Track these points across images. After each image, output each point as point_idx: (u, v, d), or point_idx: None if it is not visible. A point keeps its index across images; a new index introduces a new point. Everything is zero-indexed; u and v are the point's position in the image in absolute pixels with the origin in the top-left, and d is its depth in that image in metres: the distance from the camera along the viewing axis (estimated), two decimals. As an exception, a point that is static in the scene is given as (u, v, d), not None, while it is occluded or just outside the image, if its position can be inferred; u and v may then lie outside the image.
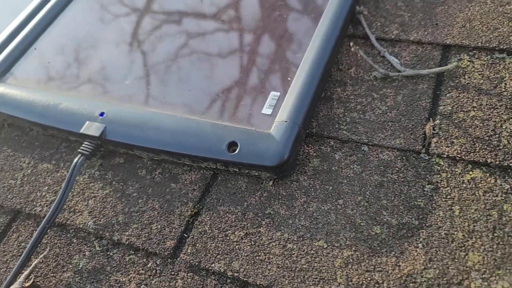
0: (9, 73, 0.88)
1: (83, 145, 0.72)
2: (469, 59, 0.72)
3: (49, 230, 0.67)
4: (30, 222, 0.70)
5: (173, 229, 0.64)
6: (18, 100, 0.81)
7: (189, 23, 0.85)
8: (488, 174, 0.60)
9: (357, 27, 0.81)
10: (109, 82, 0.80)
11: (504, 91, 0.67)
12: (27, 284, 0.62)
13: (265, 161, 0.63)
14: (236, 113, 0.70)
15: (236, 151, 0.64)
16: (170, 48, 0.83)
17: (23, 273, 0.63)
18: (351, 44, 0.72)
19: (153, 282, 0.60)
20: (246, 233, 0.61)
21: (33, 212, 0.70)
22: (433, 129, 0.65)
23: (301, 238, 0.59)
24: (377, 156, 0.65)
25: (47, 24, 0.95)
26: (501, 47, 0.71)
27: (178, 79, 0.77)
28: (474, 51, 0.73)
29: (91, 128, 0.73)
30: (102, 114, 0.74)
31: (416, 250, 0.55)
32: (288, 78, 0.72)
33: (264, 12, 0.83)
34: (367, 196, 0.61)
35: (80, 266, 0.64)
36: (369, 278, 0.54)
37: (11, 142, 0.82)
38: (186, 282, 0.59)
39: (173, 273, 0.60)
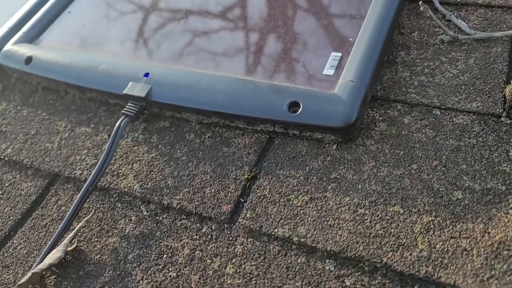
0: (42, 35, 0.84)
1: (127, 106, 0.67)
2: (545, 23, 0.67)
3: (91, 194, 0.61)
4: (69, 186, 0.65)
5: (229, 193, 0.58)
6: (53, 62, 0.77)
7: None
8: None
9: (417, -9, 0.76)
10: (152, 43, 0.75)
11: None
12: (70, 248, 0.57)
13: (332, 121, 0.58)
14: (295, 74, 0.65)
15: (298, 111, 0.59)
16: (219, 8, 0.78)
17: (65, 237, 0.58)
18: (420, 3, 0.67)
19: (209, 247, 0.55)
20: (311, 197, 0.56)
21: (72, 176, 0.65)
22: (513, 92, 0.60)
23: (374, 203, 0.54)
24: (451, 120, 0.60)
25: (82, -11, 0.91)
26: None
27: (231, 39, 0.72)
28: (550, 15, 0.67)
29: (136, 89, 0.68)
30: (147, 74, 0.69)
31: (506, 217, 0.50)
32: (350, 39, 0.67)
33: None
34: (444, 161, 0.56)
35: (127, 231, 0.58)
36: (455, 245, 0.49)
37: (46, 105, 0.77)
38: (246, 248, 0.54)
39: (231, 238, 0.55)
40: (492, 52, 0.65)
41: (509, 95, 0.60)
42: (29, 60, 0.78)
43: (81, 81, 0.73)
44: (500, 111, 0.59)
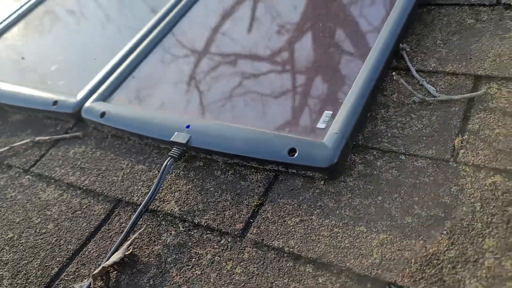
0: (113, 95, 1.10)
1: (172, 150, 0.91)
2: (498, 87, 0.84)
3: (144, 214, 0.84)
4: (128, 209, 0.88)
5: (242, 215, 0.79)
6: (121, 116, 1.03)
7: (254, 61, 1.04)
8: (507, 179, 0.71)
9: (400, 61, 0.96)
10: (192, 103, 1.00)
11: (526, 113, 0.78)
12: (127, 253, 0.79)
13: (318, 163, 0.78)
14: (296, 127, 0.86)
15: (295, 155, 0.80)
16: (239, 79, 1.01)
17: (123, 245, 0.81)
18: (394, 73, 0.87)
19: (225, 254, 0.75)
20: (301, 219, 0.76)
21: (131, 201, 0.89)
22: (461, 143, 0.77)
23: (346, 224, 0.73)
24: (412, 163, 0.78)
25: (142, 59, 1.18)
26: (526, 77, 0.83)
27: (250, 100, 0.95)
28: (502, 81, 0.85)
29: (179, 137, 0.92)
30: (188, 126, 0.93)
31: (441, 236, 0.67)
32: (340, 100, 0.87)
33: (322, 48, 1.00)
34: (402, 194, 0.74)
35: (168, 241, 0.80)
36: (399, 255, 0.66)
37: (113, 149, 1.03)
38: (251, 255, 0.74)
39: (241, 248, 0.75)
40: (451, 111, 0.83)
41: (457, 145, 0.77)
42: (103, 114, 1.05)
43: (140, 130, 0.98)
44: (449, 157, 0.76)
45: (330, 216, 0.75)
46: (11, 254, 0.87)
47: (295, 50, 1.02)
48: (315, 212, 0.76)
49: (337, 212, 0.75)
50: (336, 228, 0.73)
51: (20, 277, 0.82)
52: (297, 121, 0.87)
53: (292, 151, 0.81)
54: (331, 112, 0.86)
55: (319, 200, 0.78)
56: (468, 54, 0.91)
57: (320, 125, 0.84)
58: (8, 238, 0.90)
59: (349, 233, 0.71)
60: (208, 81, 1.04)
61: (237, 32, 1.14)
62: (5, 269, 0.84)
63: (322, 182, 0.80)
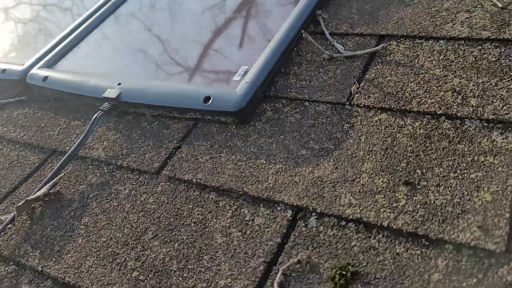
0: (58, 63, 1.17)
1: (104, 104, 0.98)
2: (396, 44, 0.93)
3: (73, 160, 0.91)
4: (61, 157, 0.95)
5: (160, 156, 0.86)
6: (61, 79, 1.09)
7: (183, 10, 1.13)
8: (391, 116, 0.79)
9: (317, 26, 1.05)
10: (124, 68, 1.07)
11: (416, 64, 0.87)
12: (53, 190, 0.85)
13: (229, 107, 0.86)
14: (215, 82, 0.94)
15: (209, 102, 0.88)
16: (163, 34, 1.09)
17: (46, 185, 0.87)
18: (303, 31, 0.96)
19: (141, 189, 0.82)
20: (211, 157, 0.83)
21: (64, 150, 0.95)
22: (357, 89, 0.86)
23: (249, 159, 0.80)
24: (314, 108, 0.86)
25: (85, 35, 1.25)
26: (421, 35, 0.92)
27: (174, 61, 1.03)
28: (401, 39, 0.94)
29: (111, 93, 0.99)
30: (119, 84, 1.00)
31: (327, 163, 0.75)
32: (256, 57, 0.96)
33: (243, 12, 1.09)
34: (302, 133, 0.82)
35: (92, 181, 0.87)
36: (290, 180, 0.74)
37: (54, 109, 1.09)
38: (163, 188, 0.81)
39: (156, 183, 0.82)
40: (354, 65, 0.92)
41: (353, 90, 0.86)
42: (45, 78, 1.11)
43: (78, 90, 1.05)
44: (345, 101, 0.85)
45: (237, 153, 0.82)
46: None
47: (218, 16, 1.11)
48: (224, 151, 0.83)
49: (243, 149, 0.82)
50: (240, 162, 0.80)
51: (-47, 216, 0.88)
52: (216, 77, 0.95)
53: (207, 99, 0.89)
54: (246, 67, 0.94)
55: (230, 141, 0.85)
56: (376, 19, 1.00)
57: (236, 77, 0.92)
58: None
59: (250, 165, 0.79)
60: (138, 49, 1.11)
61: (163, 16, 1.22)
62: None
63: (234, 127, 0.88)
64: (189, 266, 0.67)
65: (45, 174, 0.92)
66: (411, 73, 0.86)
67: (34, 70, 1.16)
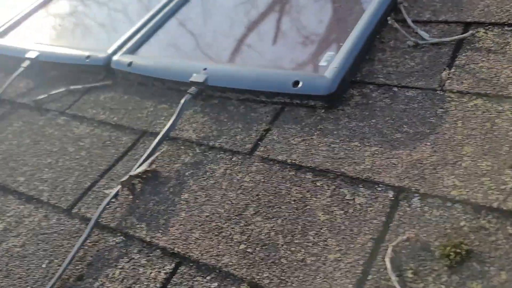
0: (140, 49, 1.22)
1: (191, 88, 1.02)
2: (484, 31, 0.93)
3: (165, 140, 0.96)
4: (152, 138, 0.99)
5: (251, 138, 0.90)
6: (145, 64, 1.14)
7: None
8: (487, 101, 0.80)
9: (398, 14, 1.05)
10: (209, 52, 1.11)
11: (508, 51, 0.87)
12: (150, 168, 0.90)
13: (319, 91, 0.88)
14: (301, 66, 0.96)
15: (299, 86, 0.90)
16: (254, 19, 1.12)
17: (147, 161, 0.92)
18: (388, 18, 0.97)
19: (235, 168, 0.86)
20: (303, 139, 0.86)
21: (155, 131, 1.00)
22: (448, 75, 0.87)
23: (342, 141, 0.82)
24: (403, 93, 0.87)
25: (166, 19, 1.30)
26: (510, 22, 0.92)
27: (260, 45, 1.06)
28: (489, 26, 0.94)
29: (197, 77, 1.03)
30: (205, 69, 1.04)
31: (425, 146, 0.76)
32: (341, 44, 0.97)
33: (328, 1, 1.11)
34: (393, 117, 0.83)
35: (186, 161, 0.91)
36: (388, 162, 0.76)
37: (139, 93, 1.14)
38: (258, 168, 0.84)
39: (250, 163, 0.86)
40: (441, 51, 0.92)
41: (444, 76, 0.86)
42: (130, 64, 1.16)
43: (163, 75, 1.10)
44: (436, 86, 0.86)
45: (329, 135, 0.85)
46: (50, 174, 0.99)
47: (303, 4, 1.13)
48: (316, 133, 0.86)
49: (335, 132, 0.85)
50: (333, 144, 0.83)
51: (57, 191, 0.94)
52: (302, 61, 0.97)
53: (296, 83, 0.91)
54: (332, 53, 0.96)
55: (320, 124, 0.88)
56: (460, 6, 1.00)
57: (322, 63, 0.94)
58: (47, 163, 1.03)
59: (344, 147, 0.81)
60: (222, 33, 1.15)
61: (243, 1, 1.25)
62: (45, 185, 0.97)
63: (323, 111, 0.90)
64: (295, 241, 0.70)
65: (139, 153, 0.97)
66: (503, 59, 0.86)
67: (118, 56, 1.21)
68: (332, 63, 0.92)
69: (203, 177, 0.86)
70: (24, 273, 0.81)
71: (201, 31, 1.20)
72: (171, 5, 1.34)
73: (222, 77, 1.01)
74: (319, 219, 0.72)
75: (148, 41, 1.25)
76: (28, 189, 0.97)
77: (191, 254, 0.74)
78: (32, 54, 1.38)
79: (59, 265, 0.80)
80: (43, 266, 0.81)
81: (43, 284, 0.78)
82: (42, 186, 0.96)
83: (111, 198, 0.85)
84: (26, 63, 1.38)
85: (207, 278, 0.70)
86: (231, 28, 1.16)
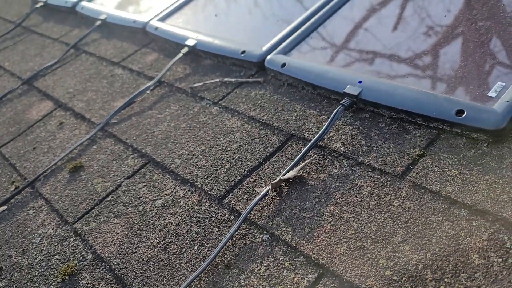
0: (293, 51, 1.27)
1: (344, 99, 1.04)
2: None
3: (313, 148, 0.99)
4: (299, 142, 1.04)
5: (403, 161, 0.89)
6: (299, 67, 1.18)
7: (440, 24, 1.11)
8: None
9: None
10: (365, 62, 1.11)
11: None
12: (298, 174, 0.94)
13: (486, 125, 0.84)
14: (466, 94, 0.92)
15: (463, 116, 0.87)
16: (418, 37, 1.09)
17: (297, 167, 0.96)
18: None
19: (384, 189, 0.86)
20: (460, 172, 0.83)
21: (302, 137, 1.04)
22: None
23: (506, 182, 0.78)
24: None
25: (321, 22, 1.32)
26: None
27: (422, 63, 1.03)
28: None
29: (352, 89, 1.04)
30: (360, 81, 1.05)
31: None
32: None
33: (499, 25, 1.04)
34: None
35: (332, 172, 0.94)
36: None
37: (288, 95, 1.19)
38: (408, 194, 0.84)
39: (399, 187, 0.85)
40: None
41: None
42: (284, 65, 1.21)
43: (316, 81, 1.13)
44: None
45: (490, 173, 0.81)
46: (204, 161, 1.09)
47: (472, 26, 1.07)
48: (475, 169, 0.83)
49: (498, 171, 0.81)
50: (495, 184, 0.79)
51: (210, 179, 1.03)
52: (468, 88, 0.93)
53: (460, 112, 0.88)
54: (503, 84, 0.90)
55: (481, 159, 0.84)
56: None
57: (491, 93, 0.89)
58: (201, 149, 1.12)
59: (508, 190, 0.77)
60: (383, 43, 1.14)
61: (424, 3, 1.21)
62: (200, 171, 1.06)
63: (485, 145, 0.86)
64: (445, 279, 0.69)
65: (286, 156, 1.02)
66: None
67: (272, 56, 1.27)
68: (503, 95, 0.87)
69: (350, 193, 0.88)
70: (178, 251, 0.91)
71: (360, 36, 1.20)
72: (330, 4, 1.35)
73: (376, 92, 1.01)
74: (473, 262, 0.70)
75: (303, 42, 1.29)
76: (184, 172, 1.08)
77: (335, 269, 0.77)
78: (191, 42, 1.50)
79: (209, 250, 0.89)
80: (195, 248, 0.90)
81: (194, 264, 0.87)
82: (197, 172, 1.06)
83: (262, 197, 0.91)
84: (185, 50, 1.51)
85: (349, 295, 0.73)
86: (393, 37, 1.15)
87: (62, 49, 1.94)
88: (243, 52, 1.34)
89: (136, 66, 1.58)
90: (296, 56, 1.24)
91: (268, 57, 1.27)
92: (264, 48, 1.31)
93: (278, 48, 1.28)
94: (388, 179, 0.88)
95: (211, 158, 1.09)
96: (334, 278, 0.76)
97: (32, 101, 1.63)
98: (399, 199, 0.84)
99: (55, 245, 1.03)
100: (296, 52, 1.26)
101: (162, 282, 0.87)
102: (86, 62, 1.75)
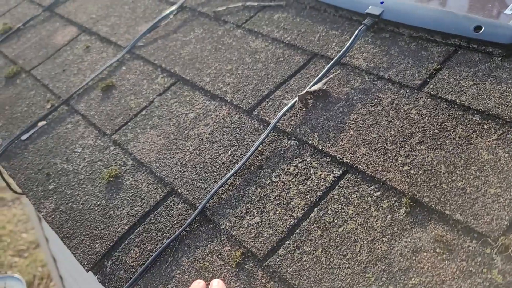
0: (314, -25, 1.30)
1: (366, 19, 1.09)
2: None
3: (336, 65, 1.06)
4: (323, 61, 1.10)
5: (421, 75, 0.96)
6: (320, -8, 1.22)
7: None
8: None
9: None
10: (387, -15, 1.15)
11: None
12: (323, 88, 1.02)
13: (501, 39, 0.90)
14: (482, 12, 0.98)
15: (480, 32, 0.93)
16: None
17: (321, 81, 1.03)
18: None
19: (403, 100, 0.94)
20: (474, 83, 0.90)
21: (325, 55, 1.11)
22: None
23: (516, 91, 0.86)
24: None
25: None
26: None
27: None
28: None
29: (374, 10, 1.09)
30: (382, 2, 1.09)
31: None
32: (531, -7, 0.96)
33: None
34: None
35: (355, 86, 1.01)
36: None
37: (311, 17, 1.24)
38: (425, 103, 0.91)
39: (417, 97, 0.93)
40: None
41: None
42: (306, -12, 1.25)
43: (338, 2, 1.18)
44: None
45: (503, 83, 0.88)
46: (231, 79, 1.16)
47: None
48: (489, 79, 0.90)
49: (510, 81, 0.88)
50: (506, 92, 0.86)
51: (239, 94, 1.11)
52: (485, 7, 0.98)
53: (477, 28, 0.94)
54: (520, 2, 0.95)
55: (494, 71, 0.91)
56: None
57: (508, 11, 0.95)
58: (228, 69, 1.19)
59: (518, 97, 0.85)
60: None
61: None
62: (228, 87, 1.14)
63: (500, 59, 0.93)
64: (457, 172, 0.79)
65: (310, 73, 1.09)
66: None
67: (294, -21, 1.30)
68: (519, 12, 0.93)
69: (371, 103, 0.96)
70: (213, 155, 1.01)
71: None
72: None
73: (398, 12, 1.06)
74: (483, 158, 0.79)
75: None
76: (213, 89, 1.15)
77: (357, 166, 0.86)
78: (211, -32, 1.52)
79: (242, 154, 0.98)
80: (229, 152, 1.00)
81: (229, 166, 0.97)
82: (225, 88, 1.14)
83: (289, 107, 0.99)
84: (206, -24, 1.53)
85: (371, 187, 0.83)
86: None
87: (78, -23, 1.95)
88: (266, -24, 1.37)
89: (156, -8, 1.61)
90: (318, -21, 1.28)
91: (291, -19, 1.31)
92: (287, -28, 1.34)
93: (300, -28, 1.32)
94: (407, 91, 0.95)
95: (238, 76, 1.16)
96: (357, 173, 0.86)
97: (56, 27, 1.68)
98: (417, 107, 0.91)
99: (97, 154, 1.13)
100: (318, -24, 1.29)
101: (200, 181, 0.97)
102: (106, -11, 1.78)
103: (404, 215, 0.77)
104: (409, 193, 0.79)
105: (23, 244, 4.50)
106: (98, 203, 1.01)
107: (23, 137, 1.25)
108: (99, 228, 0.97)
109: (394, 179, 0.81)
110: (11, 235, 4.58)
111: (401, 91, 0.96)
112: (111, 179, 1.04)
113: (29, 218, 4.63)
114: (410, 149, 0.85)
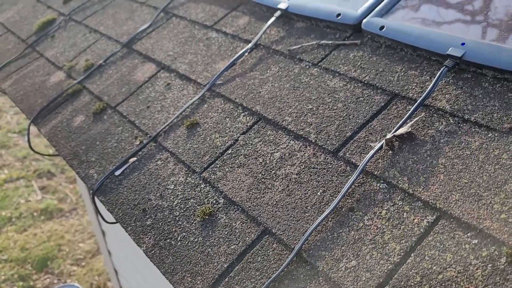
0: (389, 12, 1.34)
1: (447, 61, 1.12)
2: None
3: (419, 107, 1.09)
4: (404, 101, 1.14)
5: (509, 118, 0.98)
6: (398, 29, 1.26)
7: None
8: None
9: None
10: (467, 25, 1.17)
11: None
12: (408, 130, 1.05)
13: None
14: None
15: None
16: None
17: (406, 124, 1.07)
18: None
19: (492, 144, 0.96)
20: None
21: (407, 96, 1.14)
22: None
23: None
24: None
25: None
26: None
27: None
28: None
29: (455, 51, 1.12)
30: (463, 43, 1.12)
31: None
32: None
33: None
34: None
35: (440, 128, 1.04)
36: None
37: (387, 56, 1.28)
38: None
39: (507, 142, 0.95)
40: None
41: None
42: (382, 27, 1.29)
43: (416, 43, 1.21)
44: None
45: None
46: (313, 119, 1.21)
47: None
48: None
49: None
50: None
51: (322, 134, 1.16)
52: None
53: None
54: None
55: None
56: None
57: None
58: (308, 108, 1.25)
59: None
60: (484, 6, 1.19)
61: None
62: (311, 128, 1.19)
63: None
64: (557, 222, 0.80)
65: (392, 113, 1.13)
66: None
67: (369, 18, 1.34)
68: None
69: (458, 147, 0.99)
70: (303, 196, 1.06)
71: (455, 2, 1.26)
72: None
73: (481, 54, 1.08)
74: None
75: (397, 4, 1.36)
76: (296, 129, 1.21)
77: (452, 212, 0.89)
78: (283, 5, 1.59)
79: (331, 196, 1.03)
80: (318, 193, 1.05)
81: (319, 208, 1.02)
82: (308, 128, 1.19)
83: (376, 151, 1.03)
84: (277, 13, 1.60)
85: (467, 234, 0.85)
86: (490, 3, 1.20)
87: (150, 13, 2.07)
88: (339, 14, 1.42)
89: (229, 29, 1.70)
90: (394, 18, 1.32)
91: (366, 19, 1.35)
92: (359, 10, 1.39)
93: (375, 10, 1.36)
94: (496, 135, 0.97)
95: (320, 116, 1.21)
96: (451, 219, 0.88)
97: (135, 64, 1.80)
98: (508, 152, 0.93)
99: (189, 191, 1.21)
100: (392, 14, 1.33)
101: (293, 222, 1.02)
102: (179, 26, 1.88)
103: (505, 264, 0.79)
104: (510, 242, 0.81)
105: (80, 253, 4.73)
106: (196, 240, 1.09)
107: (117, 173, 1.35)
108: (199, 265, 1.04)
109: (492, 227, 0.84)
110: (69, 245, 4.82)
111: (489, 135, 0.98)
112: (206, 216, 1.11)
113: (85, 228, 4.86)
114: (505, 196, 0.87)
